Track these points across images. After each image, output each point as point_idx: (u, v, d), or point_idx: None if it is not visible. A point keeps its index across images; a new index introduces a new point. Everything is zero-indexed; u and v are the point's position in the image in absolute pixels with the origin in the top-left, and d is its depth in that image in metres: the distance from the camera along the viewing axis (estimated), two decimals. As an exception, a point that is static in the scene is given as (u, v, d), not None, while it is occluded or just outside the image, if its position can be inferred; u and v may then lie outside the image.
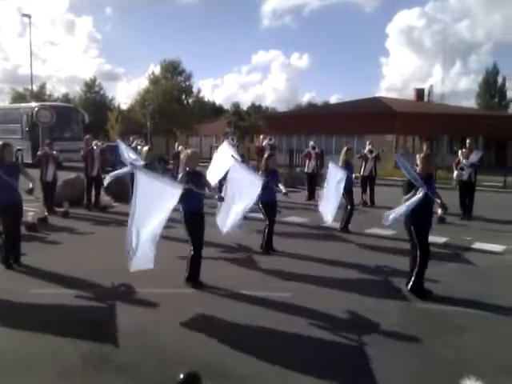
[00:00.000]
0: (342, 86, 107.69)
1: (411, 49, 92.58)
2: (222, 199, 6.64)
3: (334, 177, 8.85)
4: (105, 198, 12.86)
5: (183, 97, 42.50)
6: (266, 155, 8.47)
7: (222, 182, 8.25)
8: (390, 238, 8.83)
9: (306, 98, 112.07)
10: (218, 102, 69.27)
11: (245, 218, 7.38)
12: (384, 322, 5.07)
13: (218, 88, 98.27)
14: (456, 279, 6.54)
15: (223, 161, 8.62)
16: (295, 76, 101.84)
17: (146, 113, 33.80)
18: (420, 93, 40.93)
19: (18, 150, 22.92)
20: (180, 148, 15.08)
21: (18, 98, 47.67)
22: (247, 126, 49.55)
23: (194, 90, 43.52)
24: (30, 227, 9.18)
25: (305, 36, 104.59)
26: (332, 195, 8.77)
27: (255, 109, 60.54)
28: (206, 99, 51.38)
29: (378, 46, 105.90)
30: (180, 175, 6.15)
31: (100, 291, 5.92)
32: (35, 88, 42.58)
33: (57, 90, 65.42)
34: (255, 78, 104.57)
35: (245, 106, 63.94)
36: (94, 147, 12.20)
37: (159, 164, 12.39)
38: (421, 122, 29.04)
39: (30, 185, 7.15)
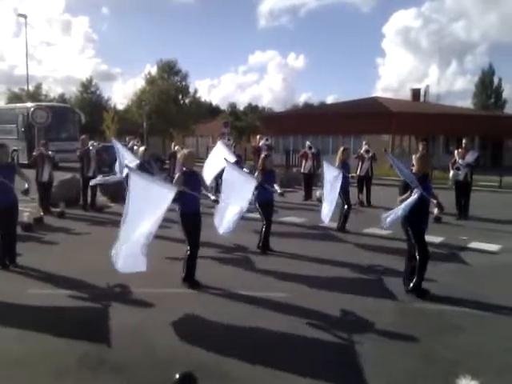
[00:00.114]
0: (338, 86, 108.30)
1: (407, 49, 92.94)
2: (216, 201, 6.65)
3: (330, 175, 8.85)
4: (101, 199, 12.83)
5: (180, 97, 42.49)
6: (262, 155, 8.47)
7: (219, 180, 8.25)
8: (386, 238, 8.84)
9: (302, 98, 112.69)
10: (214, 103, 69.30)
11: (242, 218, 7.37)
12: (381, 321, 5.07)
13: (215, 88, 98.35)
14: (452, 279, 6.55)
15: (217, 161, 8.62)
16: (292, 76, 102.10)
17: (143, 113, 33.81)
18: (416, 93, 41.09)
19: (14, 150, 22.85)
20: (176, 148, 15.05)
21: (14, 98, 47.57)
22: (244, 126, 49.59)
23: (191, 90, 43.69)
24: (25, 227, 9.16)
25: (301, 36, 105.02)
26: (328, 195, 8.77)
27: (252, 109, 60.61)
28: (202, 99, 51.47)
29: (374, 47, 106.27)
30: (177, 175, 6.16)
31: (96, 291, 5.90)
32: (31, 88, 42.65)
33: (53, 90, 65.11)
34: (252, 79, 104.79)
35: (241, 107, 64.09)
36: (90, 147, 12.18)
37: (156, 164, 12.36)
38: (417, 122, 29.13)
39: (26, 185, 7.14)
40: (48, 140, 12.58)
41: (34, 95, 44.62)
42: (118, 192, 11.94)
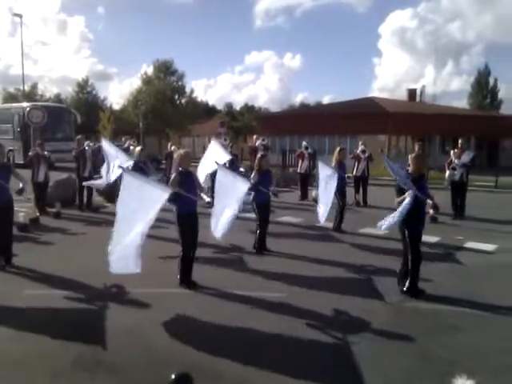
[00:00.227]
0: (334, 86, 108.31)
1: (403, 49, 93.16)
2: (209, 204, 6.64)
3: (324, 173, 8.85)
4: (97, 199, 12.80)
5: (176, 97, 42.43)
6: (259, 155, 8.47)
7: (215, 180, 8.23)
8: (383, 238, 8.84)
9: (298, 98, 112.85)
10: (211, 103, 69.41)
11: (238, 218, 7.36)
12: (376, 321, 5.08)
13: (211, 88, 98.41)
14: (448, 278, 6.56)
15: (210, 161, 8.64)
16: (288, 76, 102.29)
17: (139, 113, 33.66)
18: (412, 93, 41.20)
19: (10, 150, 22.72)
20: (173, 148, 15.03)
21: (10, 98, 47.25)
22: (240, 126, 49.60)
23: (187, 90, 43.59)
24: (21, 228, 9.13)
25: (297, 36, 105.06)
26: (323, 194, 8.77)
27: (248, 109, 60.65)
28: (198, 99, 51.43)
29: (370, 47, 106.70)
30: (173, 176, 6.16)
31: (92, 292, 5.89)
32: (27, 88, 42.41)
33: (48, 90, 64.99)
34: (248, 79, 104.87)
35: (238, 107, 64.16)
36: (86, 148, 12.15)
37: (152, 164, 12.34)
38: (413, 122, 29.18)
39: (20, 185, 7.11)
40: (44, 140, 12.57)
41: (30, 95, 44.39)
42: (114, 192, 11.91)
